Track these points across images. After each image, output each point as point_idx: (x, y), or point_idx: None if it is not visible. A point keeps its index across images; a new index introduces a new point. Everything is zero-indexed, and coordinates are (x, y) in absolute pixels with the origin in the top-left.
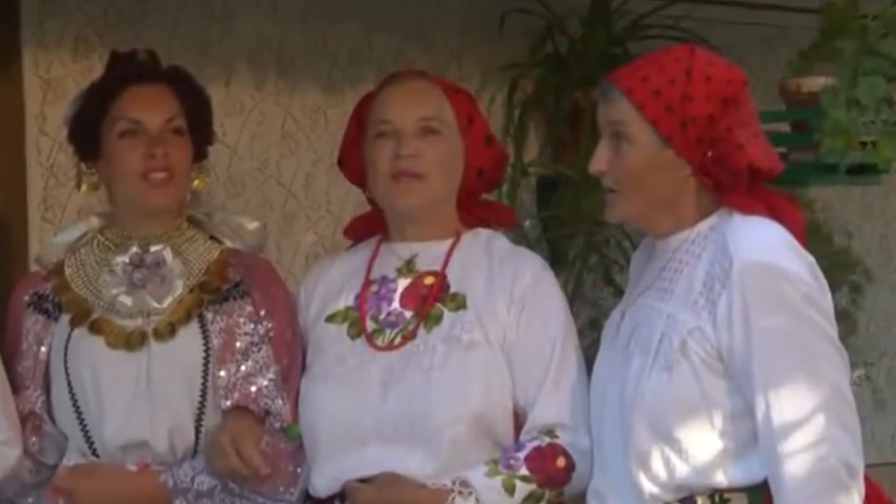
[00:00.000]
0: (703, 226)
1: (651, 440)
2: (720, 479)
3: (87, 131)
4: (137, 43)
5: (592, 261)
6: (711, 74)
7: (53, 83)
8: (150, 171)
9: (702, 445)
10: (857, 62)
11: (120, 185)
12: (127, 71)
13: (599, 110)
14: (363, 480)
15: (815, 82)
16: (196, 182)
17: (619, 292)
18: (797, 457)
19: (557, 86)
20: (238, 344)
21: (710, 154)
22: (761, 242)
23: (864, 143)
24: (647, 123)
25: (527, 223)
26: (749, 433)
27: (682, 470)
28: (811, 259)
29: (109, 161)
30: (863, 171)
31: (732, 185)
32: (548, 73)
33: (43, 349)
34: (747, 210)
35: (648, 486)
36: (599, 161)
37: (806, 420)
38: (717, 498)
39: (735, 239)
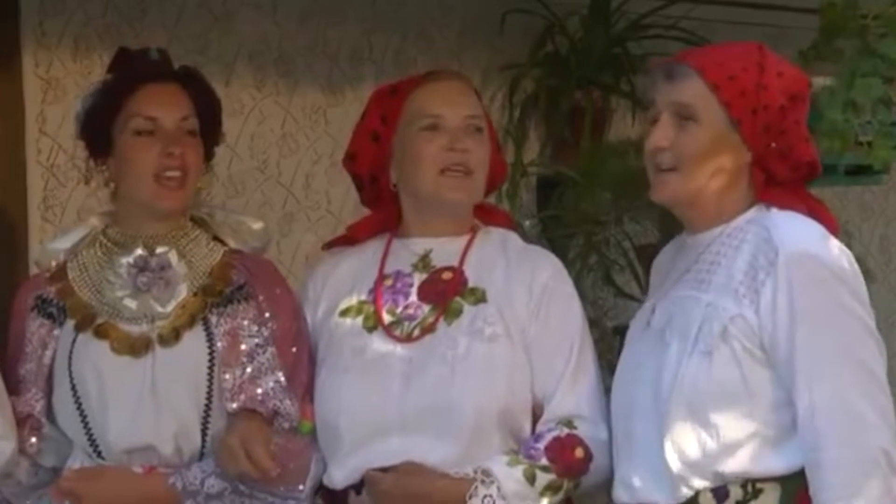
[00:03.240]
0: (740, 220)
1: (688, 425)
2: (755, 467)
3: (100, 127)
4: (137, 43)
5: (592, 261)
6: (782, 70)
7: (53, 83)
8: (165, 171)
9: (739, 432)
10: (855, 63)
11: (131, 184)
12: (142, 68)
13: (662, 89)
14: (383, 470)
15: (813, 82)
16: (199, 183)
17: (620, 292)
18: (838, 443)
19: (557, 86)
20: (243, 346)
21: (773, 145)
22: (805, 235)
23: (861, 144)
24: (720, 105)
25: (527, 223)
26: (787, 422)
27: (717, 456)
28: (850, 253)
29: (122, 159)
30: (862, 172)
31: (783, 181)
32: (548, 73)
33: (47, 353)
34: (787, 207)
35: (683, 472)
36: (662, 138)
37: (848, 408)
38: (749, 487)
39: (779, 230)
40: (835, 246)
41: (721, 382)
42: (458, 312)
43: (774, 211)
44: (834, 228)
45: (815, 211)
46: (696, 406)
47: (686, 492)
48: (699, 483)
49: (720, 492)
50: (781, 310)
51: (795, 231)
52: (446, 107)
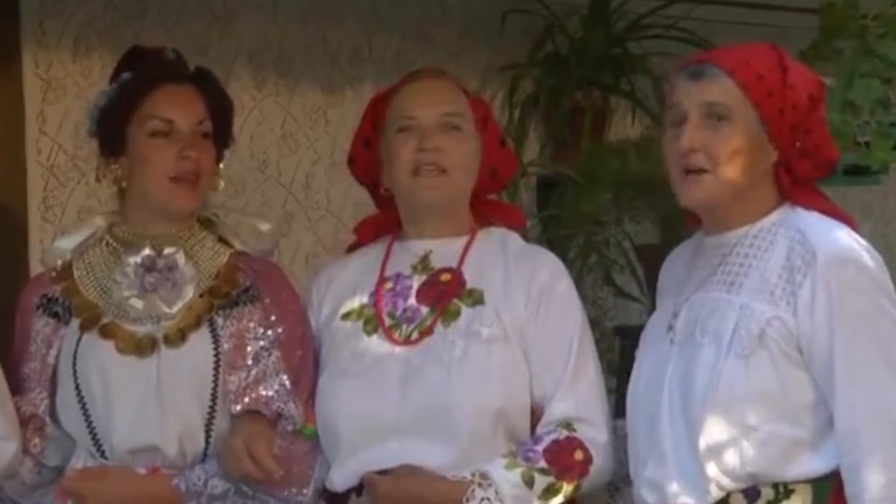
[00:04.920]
0: (766, 221)
1: (724, 428)
2: (789, 469)
3: (115, 126)
4: (137, 43)
5: (592, 261)
6: (801, 70)
7: (53, 83)
8: (181, 174)
9: (775, 434)
10: (854, 63)
11: (145, 184)
12: (160, 68)
13: (687, 90)
14: (382, 472)
15: None
16: (217, 182)
17: (620, 292)
18: (881, 446)
19: (557, 86)
20: (249, 348)
21: (798, 144)
22: (840, 237)
23: (860, 145)
24: (751, 105)
25: (527, 223)
26: (822, 424)
27: (755, 460)
28: (878, 255)
29: (136, 158)
30: (861, 172)
31: (806, 181)
32: (548, 73)
33: (52, 352)
34: (812, 208)
35: (718, 476)
36: (694, 140)
37: (889, 412)
38: (781, 488)
39: (814, 231)
40: (867, 248)
41: (758, 386)
42: (455, 314)
43: (800, 211)
44: (854, 228)
45: (834, 211)
46: (732, 409)
47: (718, 493)
48: (731, 484)
49: (751, 492)
50: (820, 311)
51: (830, 233)
52: (420, 107)
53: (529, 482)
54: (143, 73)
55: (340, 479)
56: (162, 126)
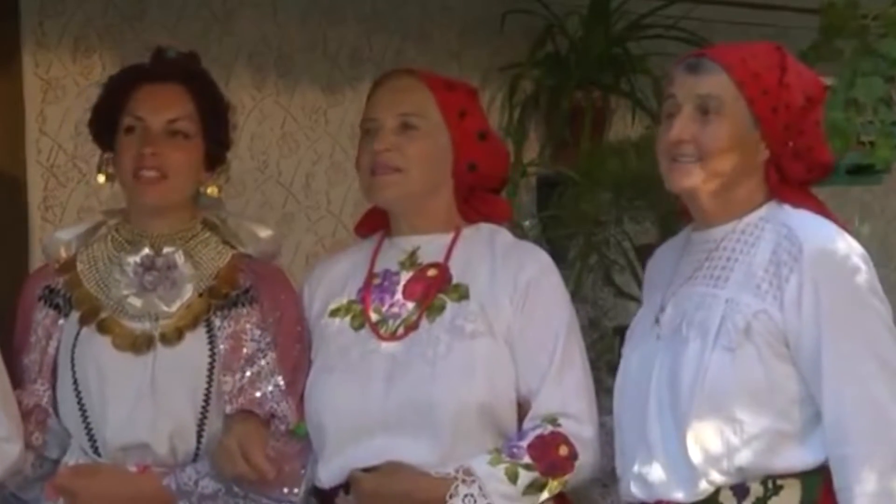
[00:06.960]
0: (753, 217)
1: (710, 421)
2: (777, 463)
3: (103, 123)
4: (138, 43)
5: (592, 261)
6: (801, 71)
7: (53, 83)
8: (139, 170)
9: (762, 427)
10: (856, 62)
11: (121, 180)
12: (144, 68)
13: (684, 82)
14: (367, 470)
15: None
16: (210, 188)
17: (620, 292)
18: (868, 439)
19: (557, 86)
20: (244, 350)
21: (791, 144)
22: (826, 232)
23: (863, 144)
24: (744, 101)
25: (527, 223)
26: (809, 418)
27: (742, 453)
28: (864, 251)
29: (115, 155)
30: (863, 171)
31: (795, 181)
32: (548, 73)
33: (52, 343)
34: (800, 206)
35: (707, 471)
36: (684, 131)
37: (876, 406)
38: (770, 483)
39: (801, 227)
40: (854, 245)
41: (745, 379)
42: (440, 310)
43: (788, 208)
44: (844, 229)
45: (823, 211)
46: (719, 402)
47: (706, 487)
48: (720, 479)
49: (740, 489)
50: (807, 306)
51: (817, 228)
52: (377, 109)
53: (514, 478)
54: (127, 72)
55: (327, 476)
56: (132, 123)
